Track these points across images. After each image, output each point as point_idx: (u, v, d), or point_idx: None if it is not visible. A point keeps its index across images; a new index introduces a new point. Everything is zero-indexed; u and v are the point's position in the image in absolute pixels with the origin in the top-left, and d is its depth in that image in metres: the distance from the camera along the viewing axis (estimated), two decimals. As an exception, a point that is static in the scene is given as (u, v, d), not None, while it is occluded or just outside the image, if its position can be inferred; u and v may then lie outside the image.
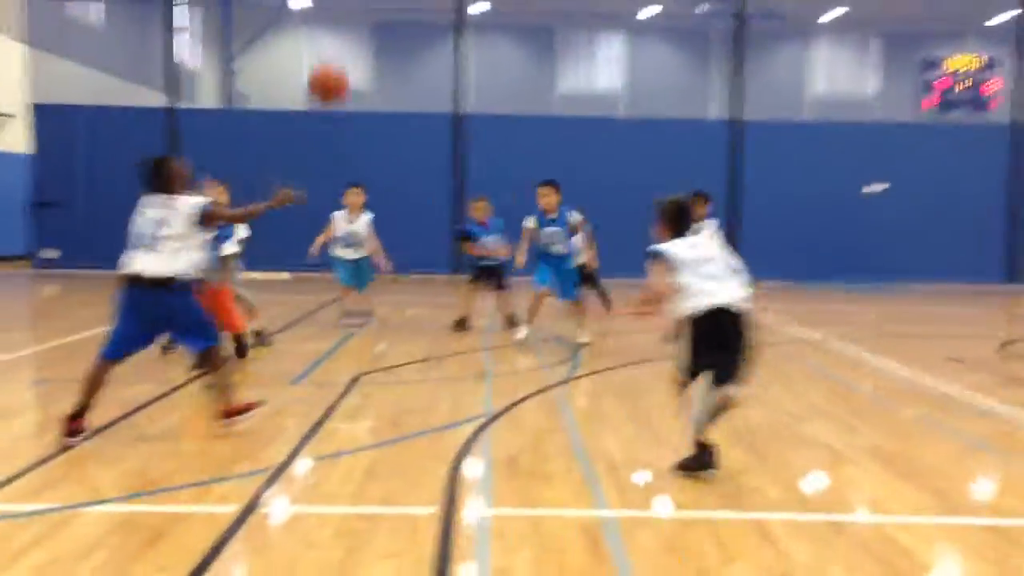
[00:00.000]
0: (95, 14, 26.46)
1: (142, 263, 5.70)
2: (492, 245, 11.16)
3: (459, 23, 20.40)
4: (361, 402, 7.16)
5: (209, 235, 6.23)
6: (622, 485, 5.10)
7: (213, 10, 33.21)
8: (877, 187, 18.74)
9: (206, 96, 33.07)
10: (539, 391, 7.65)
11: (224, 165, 18.67)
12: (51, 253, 19.08)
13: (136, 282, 5.71)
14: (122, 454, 5.57)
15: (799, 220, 19.47)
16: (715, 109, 34.03)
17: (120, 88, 24.77)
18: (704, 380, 5.20)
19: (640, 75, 35.97)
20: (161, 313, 5.75)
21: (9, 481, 4.93)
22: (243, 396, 6.21)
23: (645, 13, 34.27)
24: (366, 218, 11.08)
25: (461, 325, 11.20)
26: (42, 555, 3.95)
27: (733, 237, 18.87)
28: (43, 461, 5.32)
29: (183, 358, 8.14)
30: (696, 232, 5.51)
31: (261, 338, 9.53)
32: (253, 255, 9.72)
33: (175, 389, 7.39)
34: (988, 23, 33.14)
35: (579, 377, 8.41)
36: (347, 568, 3.90)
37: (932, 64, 34.66)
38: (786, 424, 6.61)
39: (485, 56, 34.01)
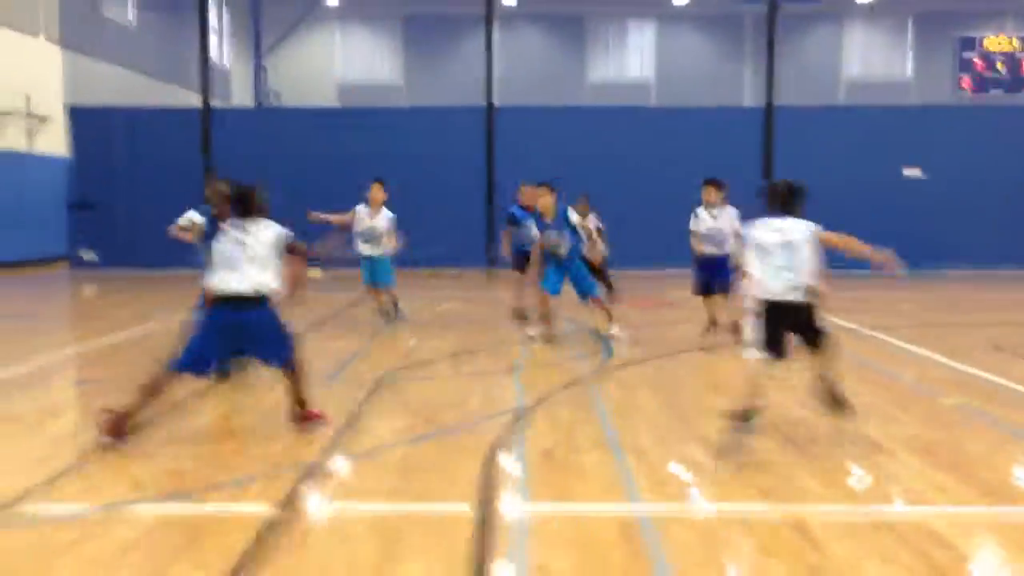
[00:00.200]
0: (129, 15, 26.75)
1: (229, 282, 5.83)
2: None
3: (489, 15, 20.35)
4: (394, 398, 7.18)
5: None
6: (657, 479, 5.08)
7: (243, 8, 33.42)
8: (917, 170, 18.47)
9: (238, 94, 33.33)
10: (571, 384, 7.63)
11: (257, 163, 18.93)
12: (88, 254, 19.34)
13: (224, 301, 5.84)
14: (160, 454, 5.63)
15: (834, 206, 19.00)
16: (748, 96, 33.74)
17: (153, 87, 25.05)
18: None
19: (671, 63, 35.74)
20: (245, 330, 5.86)
21: (50, 481, 5.00)
22: (279, 393, 6.25)
23: (676, 0, 34.00)
24: (386, 215, 10.98)
25: (520, 315, 10.98)
26: (82, 555, 4.00)
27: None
28: (83, 462, 5.40)
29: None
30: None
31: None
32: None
33: (211, 388, 7.45)
34: (1027, 1, 32.54)
35: (611, 369, 8.38)
36: (383, 565, 3.91)
37: (969, 44, 34.10)
38: (823, 416, 6.53)
39: (515, 47, 33.98)
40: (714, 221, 9.91)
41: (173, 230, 8.22)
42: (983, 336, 10.35)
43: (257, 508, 4.57)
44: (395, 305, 11.23)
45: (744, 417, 5.60)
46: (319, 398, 6.38)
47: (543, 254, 9.77)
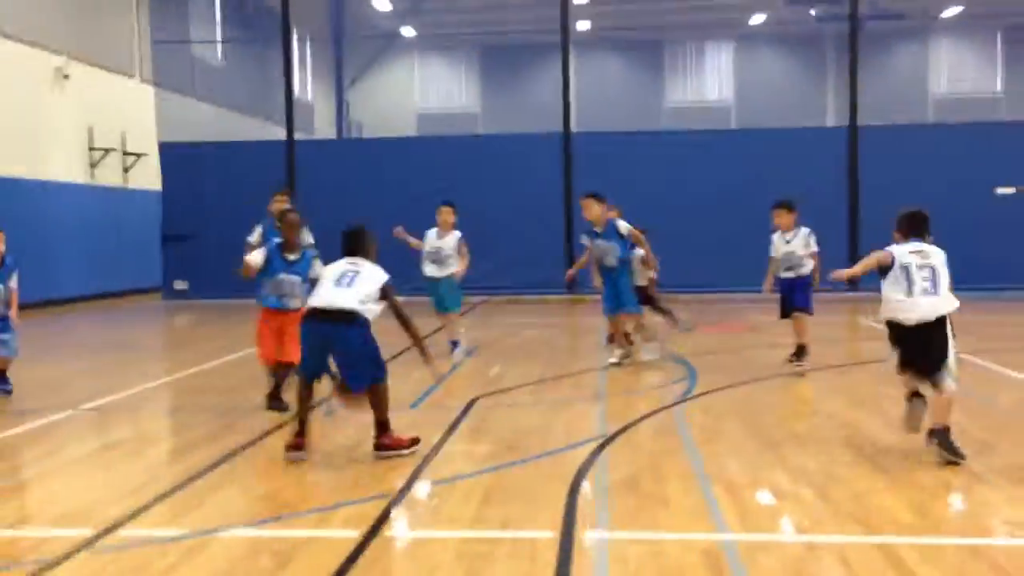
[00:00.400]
0: (217, 54, 27.69)
1: (326, 297, 6.09)
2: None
3: (565, 42, 20.47)
4: (478, 425, 7.23)
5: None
6: (743, 507, 5.01)
7: (324, 42, 34.27)
8: (1010, 189, 17.90)
9: (321, 126, 34.13)
10: (655, 411, 7.58)
11: (340, 192, 19.32)
12: (180, 285, 19.96)
13: (318, 314, 6.07)
14: (251, 479, 5.79)
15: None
16: (831, 116, 33.18)
17: (241, 122, 25.83)
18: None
19: (751, 84, 35.43)
20: (334, 344, 6.06)
21: (147, 507, 5.17)
22: (366, 420, 6.35)
23: (754, 20, 33.69)
24: (455, 236, 10.91)
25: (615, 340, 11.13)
26: (179, 579, 4.12)
27: (854, 246, 18.35)
28: (179, 487, 5.57)
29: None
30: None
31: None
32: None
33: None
34: (1123, 10, 31.39)
35: (696, 396, 8.29)
36: (468, 593, 3.94)
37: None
38: (917, 442, 6.35)
39: (592, 73, 34.09)
40: (787, 245, 9.78)
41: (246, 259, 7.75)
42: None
43: (344, 533, 4.65)
44: (454, 343, 10.80)
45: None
46: (402, 425, 6.47)
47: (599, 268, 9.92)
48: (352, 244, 6.41)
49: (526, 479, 5.65)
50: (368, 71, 36.40)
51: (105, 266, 20.08)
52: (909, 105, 32.24)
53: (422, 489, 5.50)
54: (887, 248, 6.02)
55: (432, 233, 10.93)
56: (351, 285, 6.12)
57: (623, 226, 9.72)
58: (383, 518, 4.89)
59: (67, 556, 4.37)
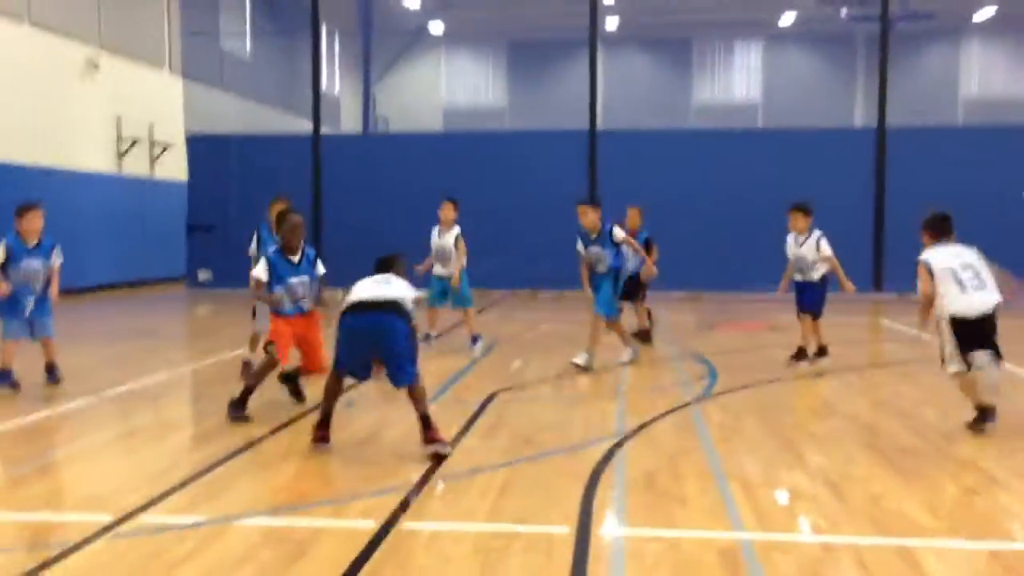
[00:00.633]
0: (246, 47, 27.84)
1: (363, 293, 6.19)
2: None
3: (592, 38, 20.41)
4: (496, 420, 7.25)
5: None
6: (760, 507, 4.99)
7: (352, 36, 34.37)
8: None
9: (347, 120, 34.25)
10: (674, 409, 7.56)
11: (365, 186, 19.35)
12: (204, 274, 20.10)
13: (363, 307, 6.12)
14: (269, 470, 5.83)
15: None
16: (860, 116, 32.92)
17: (268, 115, 25.97)
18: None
19: (779, 83, 35.19)
20: (377, 336, 6.08)
21: (167, 494, 5.22)
22: (384, 413, 6.39)
23: (784, 20, 33.45)
24: (454, 232, 10.93)
25: (644, 337, 11.31)
26: (199, 566, 4.16)
27: (879, 248, 18.20)
28: (199, 475, 5.62)
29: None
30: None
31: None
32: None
33: (318, 407, 7.64)
34: None
35: (715, 395, 8.27)
36: (482, 586, 3.95)
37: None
38: (937, 445, 6.31)
39: (620, 70, 34.00)
40: (799, 249, 9.74)
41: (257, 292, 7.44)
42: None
43: (361, 524, 4.68)
44: (474, 339, 10.85)
45: (985, 417, 6.57)
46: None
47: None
48: (384, 266, 6.56)
49: (543, 474, 5.65)
50: (395, 66, 36.45)
51: (131, 255, 20.28)
52: (939, 107, 31.88)
53: (440, 482, 5.52)
54: (921, 260, 6.62)
55: (435, 232, 11.03)
56: (389, 285, 6.27)
57: (619, 233, 9.71)
58: (400, 510, 4.91)
59: (87, 541, 4.43)
